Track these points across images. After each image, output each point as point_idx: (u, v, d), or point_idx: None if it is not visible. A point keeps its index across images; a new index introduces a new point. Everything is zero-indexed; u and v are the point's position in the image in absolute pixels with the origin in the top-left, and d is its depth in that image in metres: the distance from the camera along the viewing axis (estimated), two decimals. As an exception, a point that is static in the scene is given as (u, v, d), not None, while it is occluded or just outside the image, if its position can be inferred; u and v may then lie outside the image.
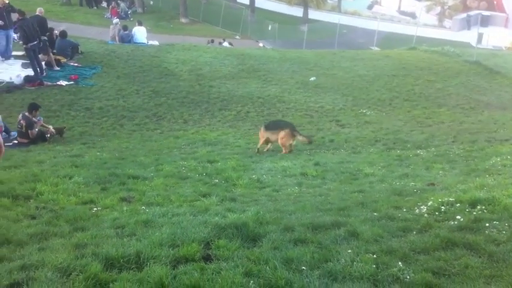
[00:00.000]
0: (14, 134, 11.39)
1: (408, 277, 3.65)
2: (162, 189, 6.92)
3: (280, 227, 4.74)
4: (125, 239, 4.36)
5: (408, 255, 4.03)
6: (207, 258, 3.96)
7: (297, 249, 4.13)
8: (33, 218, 5.36)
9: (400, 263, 3.85)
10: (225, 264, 3.80)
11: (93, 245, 4.15)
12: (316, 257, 3.94)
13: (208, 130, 13.16)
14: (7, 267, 3.72)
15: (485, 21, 46.78)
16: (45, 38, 16.96)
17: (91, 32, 26.60)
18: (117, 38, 22.84)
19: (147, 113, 14.40)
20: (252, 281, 3.51)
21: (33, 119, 11.16)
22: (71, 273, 3.57)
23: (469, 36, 40.72)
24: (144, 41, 23.08)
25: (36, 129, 11.13)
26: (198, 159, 9.43)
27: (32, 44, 15.60)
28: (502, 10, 51.84)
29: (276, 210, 5.52)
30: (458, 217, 4.95)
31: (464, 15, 49.99)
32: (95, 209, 5.67)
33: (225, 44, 29.17)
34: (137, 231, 4.62)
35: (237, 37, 36.39)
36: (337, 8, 53.31)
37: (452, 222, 4.84)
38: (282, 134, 10.77)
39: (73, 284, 3.40)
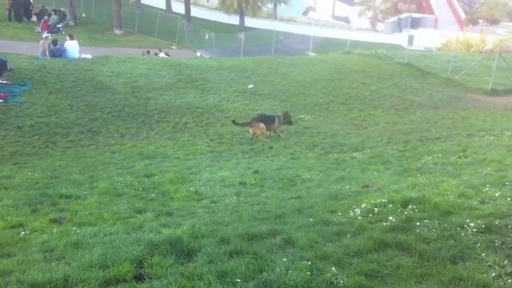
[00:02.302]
0: None
1: (342, 281, 3.68)
2: (95, 207, 6.69)
3: (216, 239, 4.69)
4: (53, 263, 4.17)
5: (342, 260, 4.07)
6: (139, 278, 3.85)
7: (232, 261, 4.09)
8: (-45, 246, 5.05)
9: (333, 268, 3.88)
10: (157, 282, 3.71)
11: (19, 271, 3.95)
12: (251, 268, 3.91)
13: (145, 143, 12.93)
14: None
15: (415, 23, 48.69)
16: None
17: (21, 48, 25.63)
18: (47, 52, 22.11)
19: (82, 128, 13.99)
20: (184, 299, 3.44)
21: None
22: (-8, 305, 3.37)
23: (400, 39, 42.24)
24: (76, 55, 22.45)
25: None
26: (134, 174, 9.23)
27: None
28: (431, 12, 54.14)
29: (213, 222, 5.46)
30: (390, 218, 5.06)
31: (395, 18, 51.84)
32: (23, 232, 5.40)
33: (162, 54, 28.87)
34: (66, 254, 4.43)
35: (174, 47, 36.12)
36: (272, 15, 54.03)
37: (385, 223, 4.94)
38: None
39: (-6, 316, 3.21)
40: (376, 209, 5.45)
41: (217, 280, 3.72)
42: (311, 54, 33.06)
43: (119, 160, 10.97)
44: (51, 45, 22.34)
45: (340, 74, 22.86)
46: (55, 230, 5.45)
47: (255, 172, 9.19)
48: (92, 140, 13.14)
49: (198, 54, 34.30)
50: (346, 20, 62.26)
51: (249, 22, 46.50)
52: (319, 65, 24.55)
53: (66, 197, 7.25)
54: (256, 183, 8.34)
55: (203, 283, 3.65)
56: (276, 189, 7.82)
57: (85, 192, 7.65)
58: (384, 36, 47.33)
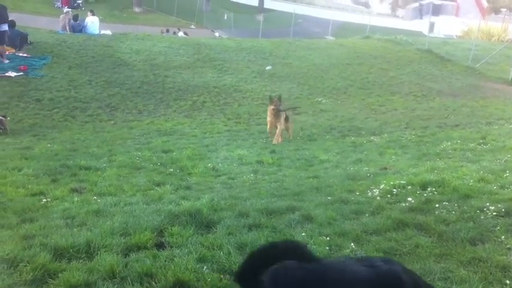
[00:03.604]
0: (-41, 126, 10.94)
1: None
2: (114, 179, 6.77)
3: (235, 213, 4.73)
4: (75, 229, 4.25)
5: (361, 237, 4.09)
6: (160, 246, 3.91)
7: (251, 234, 4.12)
8: (-21, 211, 5.16)
9: (352, 244, 3.90)
10: (178, 251, 3.76)
11: (42, 235, 4.02)
12: (271, 241, 3.94)
13: (163, 120, 12.99)
14: None
15: (436, 10, 47.89)
16: (5, 28, 16.18)
17: (41, 22, 25.75)
18: (67, 27, 22.19)
19: (100, 103, 14.08)
20: (205, 267, 3.49)
21: None
22: (18, 264, 3.45)
23: (421, 25, 41.66)
24: (96, 31, 22.50)
25: None
26: (152, 150, 9.29)
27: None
28: (453, -1, 53.28)
29: (231, 197, 5.50)
30: (409, 199, 5.06)
31: (416, 4, 51.09)
32: (44, 200, 5.49)
33: (180, 33, 28.80)
34: (88, 221, 4.51)
35: (192, 27, 36.01)
36: (292, -2, 53.51)
37: (404, 204, 4.94)
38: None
39: (20, 274, 3.29)
40: (394, 190, 5.44)
41: (237, 251, 3.75)
42: (330, 38, 32.78)
43: (137, 136, 11.05)
44: (72, 20, 22.41)
45: (359, 58, 22.65)
46: (76, 199, 5.55)
47: (272, 152, 9.22)
48: (110, 116, 13.23)
49: (217, 34, 34.18)
50: (366, 4, 61.47)
51: (268, 4, 46.16)
52: (337, 49, 24.34)
53: (85, 168, 7.33)
54: (273, 162, 8.36)
55: (223, 253, 3.69)
56: (293, 168, 7.83)
57: (104, 165, 7.73)
58: (404, 22, 46.77)
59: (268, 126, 11.08)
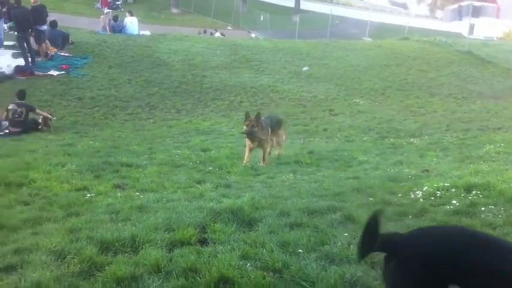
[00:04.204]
0: (4, 123, 11.29)
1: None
2: (155, 176, 6.87)
3: (276, 211, 4.72)
4: (119, 224, 4.32)
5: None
6: (203, 242, 3.93)
7: (293, 232, 4.11)
8: (26, 204, 5.31)
9: (397, 245, 3.83)
10: (221, 247, 3.78)
11: (88, 229, 4.11)
12: (313, 240, 3.92)
13: (201, 120, 13.11)
14: (0, 251, 3.68)
15: (476, 12, 46.71)
16: (44, 27, 16.68)
17: (81, 22, 26.33)
18: (107, 28, 22.64)
19: (140, 102, 14.31)
20: (248, 264, 3.49)
21: None
22: (65, 256, 3.53)
23: (460, 27, 40.75)
24: (136, 31, 22.89)
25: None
26: (191, 148, 9.40)
27: (24, 33, 15.43)
28: (493, 1, 51.95)
29: (271, 196, 5.49)
30: (454, 202, 4.96)
31: (455, 5, 50.01)
32: (89, 195, 5.62)
33: (217, 34, 28.99)
34: (132, 216, 4.58)
35: (229, 28, 36.20)
36: (329, -1, 53.25)
37: (448, 207, 4.84)
38: None
39: (68, 266, 3.36)
40: (438, 192, 5.34)
41: (280, 249, 3.74)
42: (367, 39, 32.44)
43: (176, 134, 11.18)
44: (112, 20, 22.86)
45: (397, 60, 22.35)
46: (119, 195, 5.65)
47: (310, 152, 9.18)
48: (150, 114, 13.43)
49: (253, 35, 34.26)
50: (404, 6, 60.71)
51: (305, 5, 45.99)
52: (375, 50, 24.08)
53: (127, 165, 7.47)
54: (311, 162, 8.32)
55: (266, 250, 3.69)
56: (332, 169, 7.77)
57: (145, 162, 7.85)
58: (443, 23, 45.85)
59: (246, 154, 8.38)
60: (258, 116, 8.41)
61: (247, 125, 8.22)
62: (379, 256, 3.65)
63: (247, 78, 17.94)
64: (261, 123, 8.28)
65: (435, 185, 5.56)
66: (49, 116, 11.51)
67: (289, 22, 38.08)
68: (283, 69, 19.73)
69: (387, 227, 4.26)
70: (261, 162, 8.38)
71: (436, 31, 36.51)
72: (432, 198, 5.22)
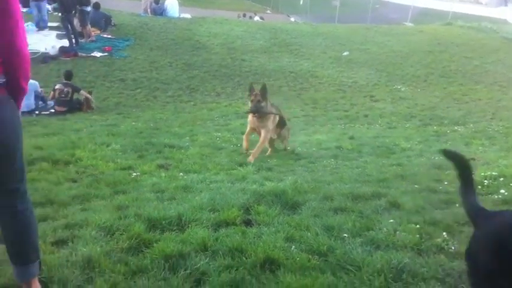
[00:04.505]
0: (50, 103, 11.58)
1: (453, 248, 3.57)
2: (198, 158, 6.93)
3: (319, 196, 4.70)
4: (165, 203, 4.38)
5: (452, 227, 3.94)
6: (248, 223, 3.95)
7: (337, 217, 4.08)
8: (74, 181, 5.44)
9: (444, 233, 3.77)
10: (266, 229, 3.79)
11: (135, 207, 4.19)
12: (358, 225, 3.89)
13: (240, 103, 13.12)
14: (51, 225, 3.78)
15: (523, -3, 45.13)
16: (88, 9, 16.97)
17: (123, 5, 26.60)
18: (149, 10, 22.85)
19: (180, 85, 14.43)
20: (293, 246, 3.49)
21: None
22: (114, 233, 3.60)
23: (506, 13, 39.35)
24: (176, 14, 23.03)
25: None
26: (231, 131, 9.45)
27: (68, 14, 15.72)
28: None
29: (314, 180, 5.47)
30: (502, 191, 4.83)
31: (501, -9, 48.32)
32: (134, 174, 5.71)
33: (256, 18, 28.87)
34: (177, 196, 4.65)
35: (268, 11, 36.01)
36: (370, -17, 52.10)
37: (496, 196, 4.73)
38: None
39: (117, 242, 3.43)
40: (485, 181, 5.22)
41: (324, 233, 3.73)
42: (408, 24, 31.71)
43: (216, 117, 11.25)
44: (153, 3, 23.04)
45: (440, 46, 21.83)
46: (163, 174, 5.73)
47: (351, 138, 9.11)
48: (190, 97, 13.53)
49: (292, 19, 33.98)
50: (449, -10, 58.88)
51: (345, -11, 45.21)
52: (417, 36, 23.59)
53: (169, 146, 7.56)
54: (352, 148, 8.25)
55: (310, 234, 3.68)
56: (374, 155, 7.68)
57: (186, 144, 7.93)
58: (488, 9, 44.32)
59: (244, 138, 7.44)
60: (264, 88, 6.96)
61: (252, 101, 6.90)
62: (425, 243, 3.62)
63: (286, 62, 17.85)
64: (267, 97, 7.01)
65: (482, 174, 5.44)
66: (91, 97, 11.75)
67: (329, 6, 37.52)
68: (323, 53, 19.55)
69: (433, 214, 4.21)
70: (250, 156, 6.85)
71: (481, 17, 35.34)
72: (479, 187, 5.09)
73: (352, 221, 3.98)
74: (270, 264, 3.20)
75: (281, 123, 7.66)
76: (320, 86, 15.58)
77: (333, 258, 3.32)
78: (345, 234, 3.74)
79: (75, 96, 11.59)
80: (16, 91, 2.49)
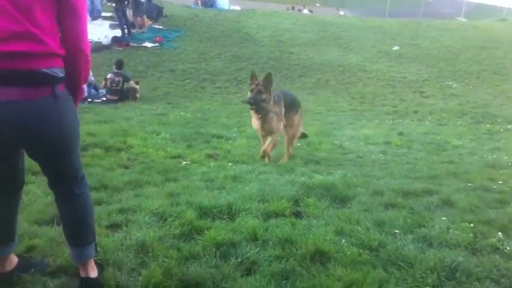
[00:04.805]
0: (102, 91, 11.89)
1: (508, 248, 3.47)
2: (245, 149, 6.98)
3: (369, 190, 4.65)
4: (215, 191, 4.43)
5: (507, 227, 3.83)
6: (297, 215, 3.95)
7: (388, 212, 4.03)
8: (126, 167, 5.57)
9: (500, 233, 3.67)
10: (315, 221, 3.78)
11: (186, 194, 4.25)
12: (409, 222, 3.82)
13: (287, 96, 13.09)
14: (106, 209, 3.88)
15: None
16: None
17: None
18: (199, 2, 23.07)
19: (228, 77, 14.52)
20: (344, 240, 3.47)
21: None
22: (166, 219, 3.67)
23: None
24: (226, 6, 23.18)
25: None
26: (278, 124, 9.43)
27: (121, 4, 16.05)
28: None
29: (363, 175, 5.41)
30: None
31: None
32: (184, 162, 5.81)
33: (305, 11, 28.74)
34: (226, 185, 4.69)
35: (317, 4, 35.77)
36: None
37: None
38: None
39: (169, 228, 3.50)
40: (542, 183, 5.05)
41: (375, 228, 3.69)
42: (461, 19, 30.87)
43: (263, 109, 11.25)
44: (203, -5, 23.28)
45: (494, 42, 21.12)
46: (212, 164, 5.79)
47: (400, 134, 8.96)
48: (237, 89, 13.61)
49: (342, 12, 33.62)
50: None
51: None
52: (470, 31, 22.91)
53: (217, 137, 7.64)
54: (401, 144, 8.12)
55: (361, 228, 3.65)
56: (424, 152, 7.54)
57: (234, 135, 8.00)
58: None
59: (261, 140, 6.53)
60: (268, 78, 5.68)
61: (251, 90, 5.79)
62: (480, 243, 3.53)
63: (335, 56, 17.68)
64: (272, 90, 5.76)
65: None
66: (137, 87, 11.93)
67: (379, 0, 36.95)
68: (372, 48, 19.27)
69: (488, 214, 4.10)
70: (265, 158, 6.13)
71: (538, 13, 34.04)
72: (536, 187, 4.94)
73: (403, 217, 3.92)
74: (320, 257, 3.19)
75: (291, 119, 6.37)
76: (368, 80, 15.37)
77: (384, 253, 3.28)
78: (396, 230, 3.68)
79: (125, 85, 11.84)
80: (75, 88, 2.53)
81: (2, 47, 2.13)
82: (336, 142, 7.99)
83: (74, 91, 2.53)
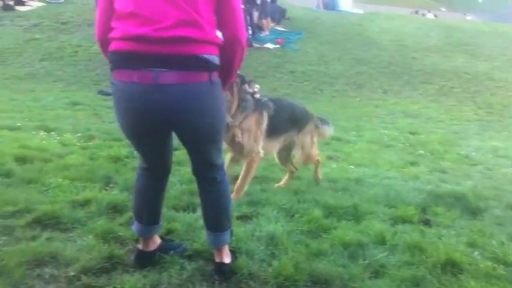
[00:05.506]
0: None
1: None
2: (365, 153, 6.90)
3: (502, 204, 4.43)
4: (339, 192, 4.46)
5: None
6: (426, 223, 3.87)
7: (527, 229, 3.82)
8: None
9: None
10: (445, 231, 3.69)
11: (311, 193, 4.33)
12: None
13: (408, 102, 12.72)
14: (236, 201, 4.06)
15: None
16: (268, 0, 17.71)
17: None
18: (321, 5, 23.11)
19: (347, 80, 14.39)
20: (476, 252, 3.35)
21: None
22: (294, 215, 3.77)
23: None
24: (348, 9, 22.99)
25: None
26: (399, 130, 9.21)
27: (251, 6, 16.48)
28: None
29: (493, 188, 5.16)
30: None
31: None
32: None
33: (429, 15, 27.71)
34: (349, 187, 4.70)
35: (443, 9, 34.32)
36: None
37: None
38: None
39: (297, 224, 3.59)
40: None
41: (510, 243, 3.52)
42: None
43: (382, 115, 11.05)
44: (325, -3, 23.29)
45: None
46: (333, 165, 5.81)
47: (537, 148, 8.35)
48: (356, 93, 13.45)
49: (468, 18, 31.94)
50: None
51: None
52: None
53: (337, 139, 7.61)
54: (539, 159, 7.56)
55: (495, 241, 3.49)
56: None
57: (353, 138, 7.94)
58: None
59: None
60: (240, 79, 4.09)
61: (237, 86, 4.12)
62: None
63: (460, 63, 16.84)
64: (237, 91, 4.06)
65: None
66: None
67: (510, 4, 34.61)
68: (502, 55, 18.08)
69: None
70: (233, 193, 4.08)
71: None
72: None
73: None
74: (452, 267, 3.11)
75: (301, 138, 4.80)
76: (497, 89, 14.46)
77: (520, 270, 3.13)
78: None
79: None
80: (227, 77, 2.67)
81: (171, 32, 2.34)
82: (461, 152, 7.63)
83: (226, 78, 2.67)
